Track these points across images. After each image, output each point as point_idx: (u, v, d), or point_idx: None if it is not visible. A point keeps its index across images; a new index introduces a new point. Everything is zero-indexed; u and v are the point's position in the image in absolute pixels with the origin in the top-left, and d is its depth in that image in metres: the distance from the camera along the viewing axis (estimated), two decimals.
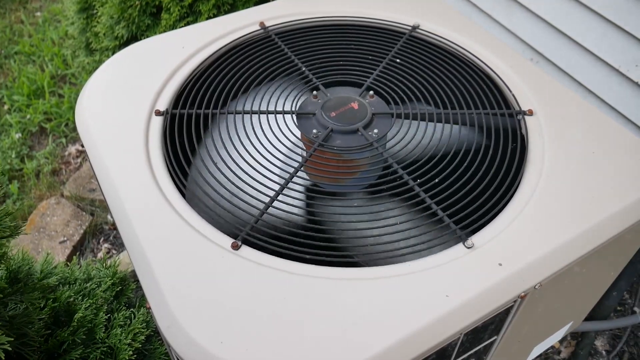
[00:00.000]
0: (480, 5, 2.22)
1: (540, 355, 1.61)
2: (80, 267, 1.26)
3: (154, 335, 1.15)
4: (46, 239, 2.14)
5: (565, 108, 1.11)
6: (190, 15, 1.58)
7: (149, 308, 0.84)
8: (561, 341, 1.65)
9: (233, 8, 1.58)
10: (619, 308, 1.74)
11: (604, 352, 1.63)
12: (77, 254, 2.08)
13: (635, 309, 1.66)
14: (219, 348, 0.74)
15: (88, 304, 1.09)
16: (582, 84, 1.96)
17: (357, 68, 1.20)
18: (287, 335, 0.75)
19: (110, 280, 1.18)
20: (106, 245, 2.16)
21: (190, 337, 0.76)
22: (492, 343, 0.97)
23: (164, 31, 1.52)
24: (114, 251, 2.14)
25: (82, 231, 2.15)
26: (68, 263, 1.33)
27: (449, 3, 1.43)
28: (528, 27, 2.07)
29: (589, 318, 1.59)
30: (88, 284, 1.17)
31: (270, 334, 0.75)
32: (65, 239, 2.12)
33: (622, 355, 1.62)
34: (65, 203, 2.25)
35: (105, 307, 1.11)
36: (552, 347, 1.63)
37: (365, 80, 1.16)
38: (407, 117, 1.09)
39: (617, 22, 1.74)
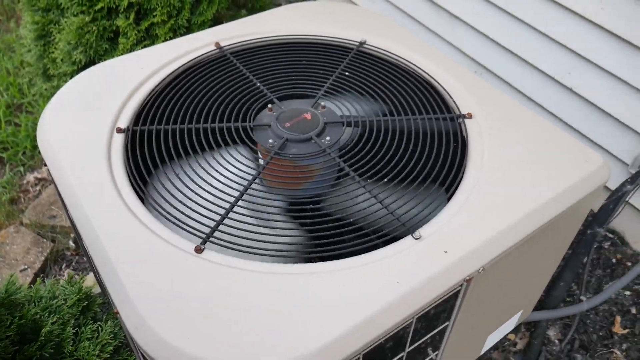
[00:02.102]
0: (425, 23, 2.36)
1: (497, 348, 1.69)
2: (45, 286, 1.28)
3: (123, 346, 1.18)
4: (6, 267, 2.11)
5: (502, 111, 1.21)
6: (147, 39, 1.63)
7: (117, 313, 0.87)
8: (516, 333, 1.74)
9: (189, 31, 1.64)
10: (568, 299, 1.85)
11: (556, 341, 1.73)
12: (40, 279, 2.06)
13: (582, 297, 1.77)
14: (186, 343, 0.79)
15: (55, 319, 1.11)
16: (523, 93, 2.11)
17: (309, 82, 1.28)
18: (249, 327, 0.80)
19: (75, 296, 1.20)
20: (68, 270, 2.15)
21: (158, 335, 0.80)
22: (444, 329, 1.04)
23: (122, 55, 1.56)
24: (76, 277, 2.12)
25: (43, 258, 2.13)
26: (32, 286, 1.34)
27: (395, 21, 1.53)
28: (471, 42, 2.21)
29: (539, 309, 1.69)
30: (54, 301, 1.18)
31: (233, 327, 0.80)
32: (26, 266, 2.10)
33: (574, 342, 1.72)
34: (25, 231, 2.23)
35: (72, 322, 1.13)
36: (508, 339, 1.72)
37: (317, 93, 1.24)
38: (356, 125, 1.17)
39: (549, 34, 1.89)
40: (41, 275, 2.11)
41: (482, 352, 1.40)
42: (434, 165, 1.08)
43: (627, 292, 1.85)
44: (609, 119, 1.85)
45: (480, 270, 0.93)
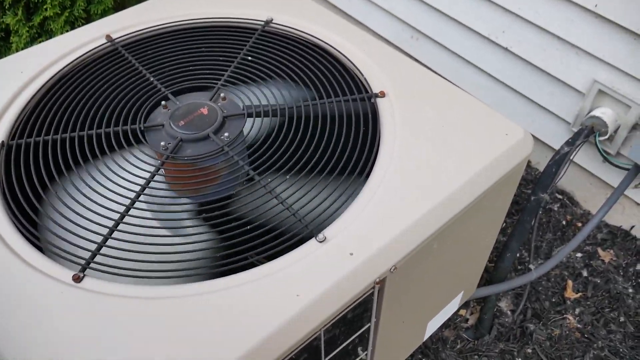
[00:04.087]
0: None
1: (448, 326, 1.64)
2: None
3: None
4: None
5: (417, 86, 1.12)
6: (43, 35, 1.48)
7: None
8: (466, 308, 1.69)
9: (88, 22, 1.50)
10: (519, 267, 1.80)
11: (509, 312, 1.68)
12: None
13: (531, 266, 1.72)
14: None
15: None
16: (460, 56, 2.02)
17: (209, 71, 1.16)
18: None
19: None
20: None
21: None
22: (367, 330, 0.97)
23: (12, 54, 1.42)
24: None
25: None
26: None
27: None
28: (402, 5, 2.10)
29: (488, 282, 1.64)
30: None
31: None
32: None
33: (526, 312, 1.68)
34: None
35: None
36: (459, 315, 1.67)
37: (216, 83, 1.13)
38: (258, 115, 1.06)
39: None
40: None
41: (426, 337, 1.34)
42: (342, 155, 0.98)
43: (578, 254, 1.82)
44: (546, 77, 1.78)
45: (392, 270, 0.85)
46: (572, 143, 1.56)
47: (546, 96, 1.82)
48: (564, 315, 1.67)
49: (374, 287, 0.85)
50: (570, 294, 1.72)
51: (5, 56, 1.51)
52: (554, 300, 1.71)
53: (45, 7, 1.42)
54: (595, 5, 1.52)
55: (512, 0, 1.71)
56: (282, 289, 0.79)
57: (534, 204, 1.56)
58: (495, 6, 1.78)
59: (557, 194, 1.98)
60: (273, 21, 1.28)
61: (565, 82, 1.72)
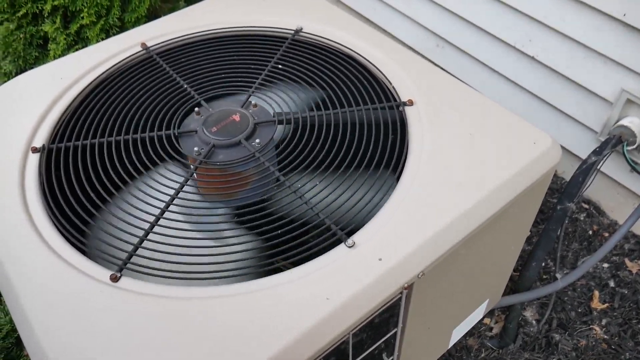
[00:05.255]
0: None
1: (472, 334, 1.64)
2: None
3: None
4: None
5: (443, 94, 1.13)
6: (79, 42, 1.53)
7: (27, 355, 0.81)
8: (491, 317, 1.68)
9: (122, 30, 1.55)
10: (545, 276, 1.79)
11: (534, 322, 1.67)
12: None
13: (557, 275, 1.71)
14: None
15: None
16: (485, 64, 2.02)
17: (240, 79, 1.19)
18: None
19: (9, 326, 1.13)
20: None
21: None
22: (393, 335, 0.98)
23: (53, 61, 1.47)
24: None
25: None
26: None
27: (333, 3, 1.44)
28: (427, 14, 2.12)
29: (513, 291, 1.63)
30: None
31: None
32: None
33: (551, 322, 1.67)
34: None
35: (3, 356, 1.07)
36: (483, 323, 1.67)
37: (248, 90, 1.16)
38: (289, 122, 1.09)
39: (506, 2, 1.80)
40: None
41: (451, 344, 1.34)
42: (371, 162, 1.00)
43: (605, 265, 1.80)
44: (573, 85, 1.77)
45: (419, 276, 0.86)
46: (599, 152, 1.55)
47: (573, 105, 1.81)
48: (591, 326, 1.65)
49: (401, 293, 0.87)
50: (596, 304, 1.70)
51: (44, 62, 1.56)
52: (580, 310, 1.69)
53: (82, 15, 1.48)
54: (624, 15, 1.51)
55: (538, 9, 1.71)
56: (313, 292, 0.81)
57: (560, 213, 1.55)
58: (521, 15, 1.78)
59: (583, 204, 1.96)
60: (303, 30, 1.30)
61: (593, 91, 1.71)
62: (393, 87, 1.14)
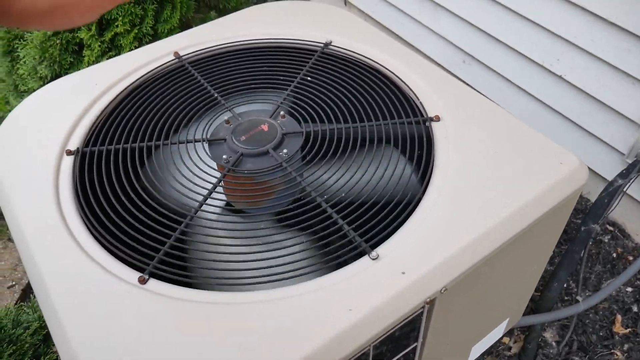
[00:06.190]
0: (409, 12, 2.28)
1: (490, 353, 1.62)
2: (9, 312, 1.24)
3: None
4: None
5: (470, 110, 1.14)
6: (113, 49, 1.58)
7: (55, 352, 0.83)
8: (510, 336, 1.67)
9: (155, 39, 1.59)
10: (566, 298, 1.77)
11: (553, 343, 1.65)
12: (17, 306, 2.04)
13: (579, 297, 1.69)
14: None
15: (12, 350, 1.07)
16: (511, 81, 2.02)
17: (270, 89, 1.22)
18: None
19: (37, 323, 1.16)
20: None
21: None
22: (413, 350, 0.98)
23: (87, 67, 1.51)
24: None
25: None
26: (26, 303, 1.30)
27: (364, 18, 1.46)
28: (455, 30, 2.12)
29: (534, 311, 1.62)
30: (14, 330, 1.15)
31: None
32: (13, 283, 2.08)
33: (572, 344, 1.65)
34: (13, 247, 2.21)
35: (31, 352, 1.09)
36: (502, 342, 1.65)
37: (277, 101, 1.18)
38: (317, 134, 1.10)
39: (535, 20, 1.80)
40: (30, 292, 2.09)
41: None
42: (397, 177, 1.01)
43: (629, 289, 1.77)
44: (600, 106, 1.76)
45: (442, 291, 0.87)
46: (625, 175, 1.54)
47: (599, 125, 1.80)
48: (612, 351, 1.62)
49: (423, 307, 0.87)
50: (618, 328, 1.67)
51: (78, 68, 1.61)
52: (601, 334, 1.67)
53: (116, 24, 1.52)
54: None
55: (569, 29, 1.71)
56: (336, 303, 0.81)
57: (584, 234, 1.54)
58: (550, 34, 1.78)
59: (607, 225, 1.94)
60: (332, 43, 1.33)
61: (620, 112, 1.70)
62: (420, 102, 1.16)
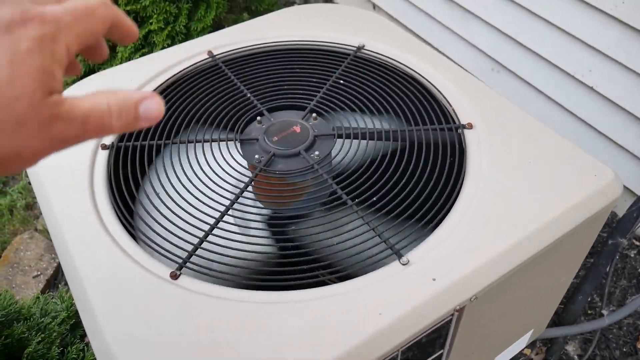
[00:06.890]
0: (439, 19, 2.27)
1: None
2: (38, 301, 1.26)
3: None
4: (20, 274, 2.14)
5: (503, 119, 1.13)
6: (146, 46, 1.60)
7: (88, 343, 0.84)
8: (532, 348, 1.65)
9: (187, 37, 1.61)
10: (589, 312, 1.75)
11: (575, 357, 1.63)
12: (43, 295, 2.08)
13: (603, 311, 1.66)
14: None
15: (40, 338, 1.09)
16: (541, 91, 2.00)
17: (302, 91, 1.22)
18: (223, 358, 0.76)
19: (65, 313, 1.18)
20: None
21: None
22: (439, 357, 0.98)
23: (120, 64, 1.54)
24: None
25: (55, 264, 2.15)
26: (52, 292, 1.32)
27: (397, 23, 1.46)
28: (485, 37, 2.11)
29: (557, 323, 1.60)
30: (43, 319, 1.17)
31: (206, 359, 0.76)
32: (39, 273, 2.12)
33: (594, 359, 1.63)
34: (39, 237, 2.25)
35: (59, 341, 1.11)
36: (523, 354, 1.63)
37: (309, 103, 1.18)
38: (348, 137, 1.11)
39: (568, 30, 1.78)
40: (54, 282, 2.13)
41: None
42: (428, 182, 1.01)
43: None
44: (632, 119, 1.73)
45: (472, 299, 0.86)
46: None
47: (631, 138, 1.77)
48: None
49: (453, 314, 0.87)
50: None
51: (112, 64, 1.64)
52: (625, 350, 1.64)
53: (150, 21, 1.54)
54: None
55: (602, 40, 1.69)
56: (366, 306, 0.82)
57: (611, 248, 1.52)
58: (582, 44, 1.76)
59: (634, 240, 1.91)
60: (365, 47, 1.33)
61: None
62: (453, 109, 1.15)
